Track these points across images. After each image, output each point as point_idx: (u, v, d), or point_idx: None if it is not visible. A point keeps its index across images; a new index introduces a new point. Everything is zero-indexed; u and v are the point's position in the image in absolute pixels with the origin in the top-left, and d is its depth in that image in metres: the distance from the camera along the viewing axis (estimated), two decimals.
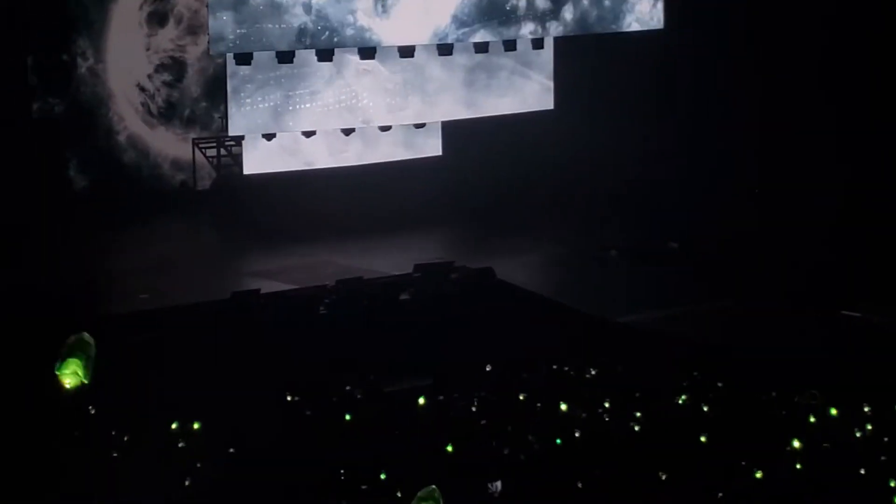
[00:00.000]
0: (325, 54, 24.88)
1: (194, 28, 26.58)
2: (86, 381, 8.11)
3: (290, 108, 25.07)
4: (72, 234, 22.90)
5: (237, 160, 26.19)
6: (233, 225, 25.31)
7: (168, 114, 26.72)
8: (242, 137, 25.15)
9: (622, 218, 25.54)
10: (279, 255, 23.45)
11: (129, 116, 26.21)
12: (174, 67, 26.68)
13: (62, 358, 8.06)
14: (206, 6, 23.91)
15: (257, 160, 25.37)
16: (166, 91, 26.64)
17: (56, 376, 8.10)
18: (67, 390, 8.12)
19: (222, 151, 26.64)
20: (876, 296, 20.70)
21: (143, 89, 26.22)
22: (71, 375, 8.02)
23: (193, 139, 26.61)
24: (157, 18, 26.34)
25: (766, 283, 21.84)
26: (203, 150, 26.59)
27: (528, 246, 23.93)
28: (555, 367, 18.20)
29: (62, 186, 25.02)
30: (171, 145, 26.67)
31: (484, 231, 25.05)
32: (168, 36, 26.58)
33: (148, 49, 26.30)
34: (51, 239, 22.47)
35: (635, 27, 27.58)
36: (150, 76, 26.40)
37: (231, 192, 26.26)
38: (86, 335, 8.23)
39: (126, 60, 26.04)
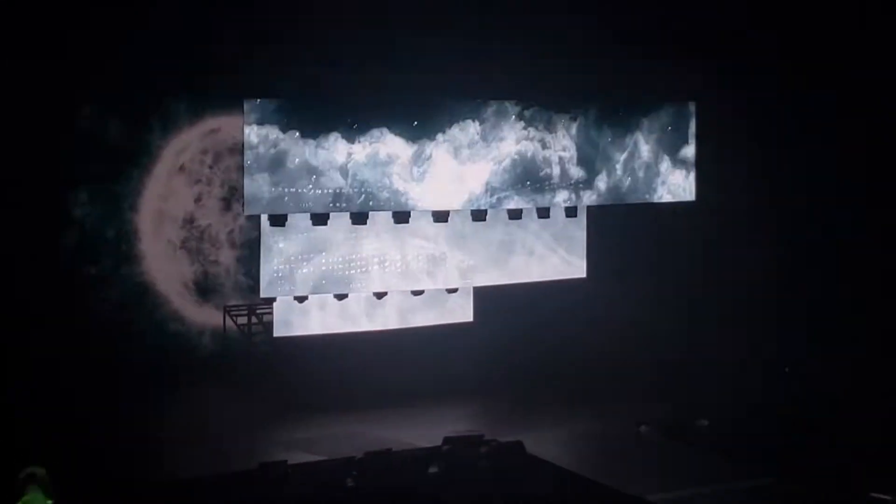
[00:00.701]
0: (360, 217, 24.89)
1: (229, 194, 26.71)
2: (51, 501, 8.13)
3: (323, 270, 24.97)
4: (100, 400, 22.82)
5: (268, 328, 26.04)
6: (262, 393, 25.18)
7: (200, 281, 26.90)
8: (274, 300, 24.93)
9: (655, 392, 25.23)
10: (309, 424, 23.24)
11: (160, 281, 26.36)
12: (206, 233, 26.79)
13: (18, 498, 8.01)
14: (242, 167, 24.01)
15: (288, 323, 25.17)
16: (198, 257, 26.82)
17: None
18: None
19: (253, 319, 26.66)
20: None
21: (175, 251, 26.38)
22: None
23: (225, 307, 26.66)
24: (191, 184, 26.54)
25: (800, 463, 21.58)
26: (234, 318, 26.56)
27: (559, 419, 23.59)
28: None
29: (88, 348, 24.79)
30: (202, 312, 26.76)
31: (514, 402, 24.77)
32: (199, 202, 26.80)
33: (182, 216, 26.52)
34: (80, 404, 22.38)
35: (667, 198, 27.79)
36: (184, 241, 26.59)
37: (260, 360, 26.20)
38: (34, 468, 8.34)
39: (158, 226, 26.31)
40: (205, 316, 26.73)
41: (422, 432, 22.15)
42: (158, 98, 25.80)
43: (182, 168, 26.40)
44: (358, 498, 19.56)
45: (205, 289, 26.74)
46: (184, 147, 26.52)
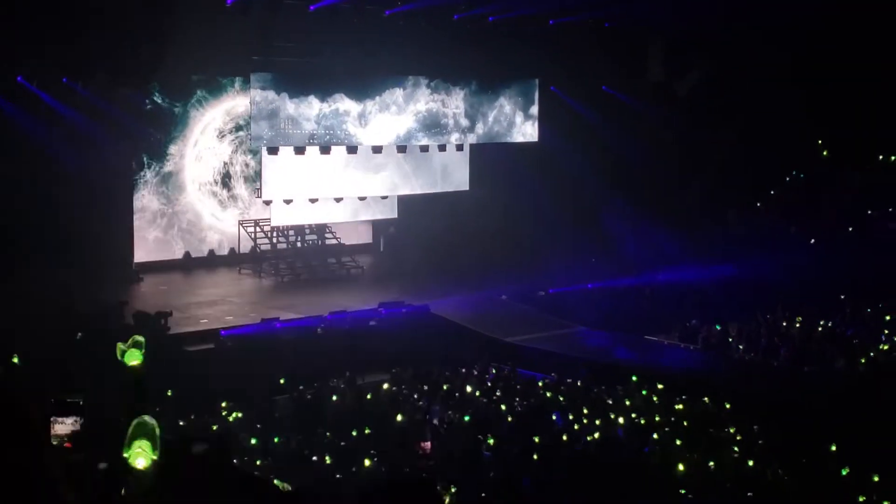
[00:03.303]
0: (325, 150, 24.44)
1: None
2: (155, 458, 6.04)
3: (302, 183, 24.35)
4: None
5: (266, 234, 25.42)
6: (262, 276, 24.53)
7: (222, 198, 25.97)
8: (270, 202, 24.36)
9: (515, 271, 24.38)
10: (292, 295, 22.66)
11: (198, 201, 25.56)
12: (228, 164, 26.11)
13: (128, 443, 6.01)
14: (250, 117, 23.37)
15: (280, 216, 24.71)
16: (223, 183, 26.00)
17: (127, 461, 6.02)
18: (141, 470, 6.03)
19: (256, 229, 25.70)
20: None
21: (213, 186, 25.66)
22: (140, 455, 5.94)
23: (239, 221, 25.68)
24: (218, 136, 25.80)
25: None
26: (245, 227, 25.62)
27: (452, 290, 22.69)
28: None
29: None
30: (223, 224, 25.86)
31: (424, 279, 23.95)
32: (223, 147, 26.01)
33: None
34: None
35: (520, 139, 27.26)
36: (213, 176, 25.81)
37: (260, 255, 25.35)
38: (146, 417, 6.15)
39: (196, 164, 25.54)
40: (226, 226, 25.87)
41: (365, 299, 21.79)
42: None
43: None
44: (326, 340, 19.53)
45: (227, 198, 25.90)
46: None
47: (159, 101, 24.50)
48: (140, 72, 20.16)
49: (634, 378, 17.72)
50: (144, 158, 24.52)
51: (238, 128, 25.80)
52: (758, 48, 24.25)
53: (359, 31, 23.11)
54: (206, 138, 25.56)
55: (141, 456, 5.89)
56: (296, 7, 21.80)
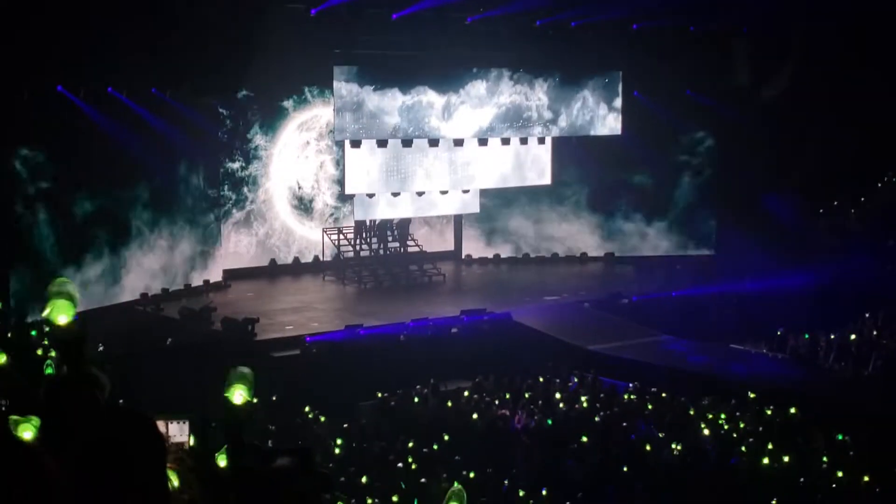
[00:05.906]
0: (408, 143, 24.15)
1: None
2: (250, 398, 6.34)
3: (384, 176, 24.15)
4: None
5: (349, 241, 24.96)
6: (345, 283, 24.21)
7: (305, 207, 25.74)
8: (353, 196, 24.11)
9: (596, 280, 23.90)
10: (375, 302, 22.42)
11: (283, 210, 25.44)
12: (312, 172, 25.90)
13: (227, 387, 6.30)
14: (334, 109, 23.18)
15: (363, 211, 24.42)
16: (305, 191, 25.77)
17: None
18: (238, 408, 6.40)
19: (340, 236, 25.13)
20: None
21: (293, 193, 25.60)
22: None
23: (323, 228, 25.28)
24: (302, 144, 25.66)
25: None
26: (328, 235, 25.15)
27: (534, 297, 22.46)
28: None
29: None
30: (307, 231, 25.60)
31: (505, 287, 23.55)
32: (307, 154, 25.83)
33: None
34: None
35: (603, 132, 26.44)
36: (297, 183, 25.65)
37: (344, 262, 24.85)
38: (242, 368, 6.39)
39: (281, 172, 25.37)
40: (309, 233, 25.49)
41: (447, 307, 21.47)
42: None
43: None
44: (408, 347, 19.36)
45: (308, 215, 25.63)
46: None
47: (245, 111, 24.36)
48: (226, 81, 20.05)
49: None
50: (227, 167, 24.34)
51: (321, 136, 25.55)
52: (848, 47, 23.26)
53: (441, 34, 22.84)
54: (289, 147, 25.26)
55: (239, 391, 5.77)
56: (378, 14, 21.48)
